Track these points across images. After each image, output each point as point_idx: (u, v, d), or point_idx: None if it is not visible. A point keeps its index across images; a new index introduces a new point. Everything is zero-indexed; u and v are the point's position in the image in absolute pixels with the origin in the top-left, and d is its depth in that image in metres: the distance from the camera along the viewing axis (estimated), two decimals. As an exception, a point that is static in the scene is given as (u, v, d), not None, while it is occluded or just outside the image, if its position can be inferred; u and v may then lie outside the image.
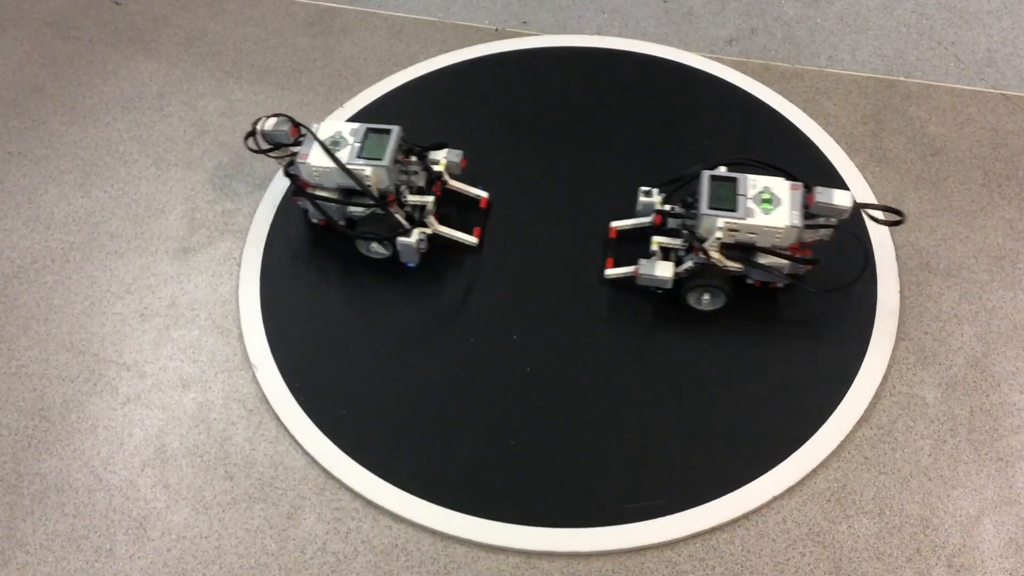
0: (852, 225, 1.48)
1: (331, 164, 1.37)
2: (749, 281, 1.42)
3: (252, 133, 1.44)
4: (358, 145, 1.38)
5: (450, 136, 1.64)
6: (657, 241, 1.41)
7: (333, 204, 1.43)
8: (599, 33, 1.84)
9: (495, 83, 1.74)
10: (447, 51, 1.83)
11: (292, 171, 1.43)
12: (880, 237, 1.50)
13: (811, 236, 1.33)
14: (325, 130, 1.40)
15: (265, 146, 1.46)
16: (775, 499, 1.27)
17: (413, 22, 1.91)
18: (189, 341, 1.46)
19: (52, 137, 1.74)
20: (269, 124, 1.43)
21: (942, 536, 1.24)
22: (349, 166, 1.37)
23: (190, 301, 1.50)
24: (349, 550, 1.25)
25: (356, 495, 1.29)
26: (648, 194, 1.45)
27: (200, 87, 1.81)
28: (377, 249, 1.47)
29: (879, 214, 1.45)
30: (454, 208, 1.55)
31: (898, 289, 1.45)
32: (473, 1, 1.92)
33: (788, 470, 1.29)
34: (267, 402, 1.39)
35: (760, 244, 1.32)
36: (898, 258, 1.48)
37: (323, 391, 1.39)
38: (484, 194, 1.53)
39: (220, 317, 1.48)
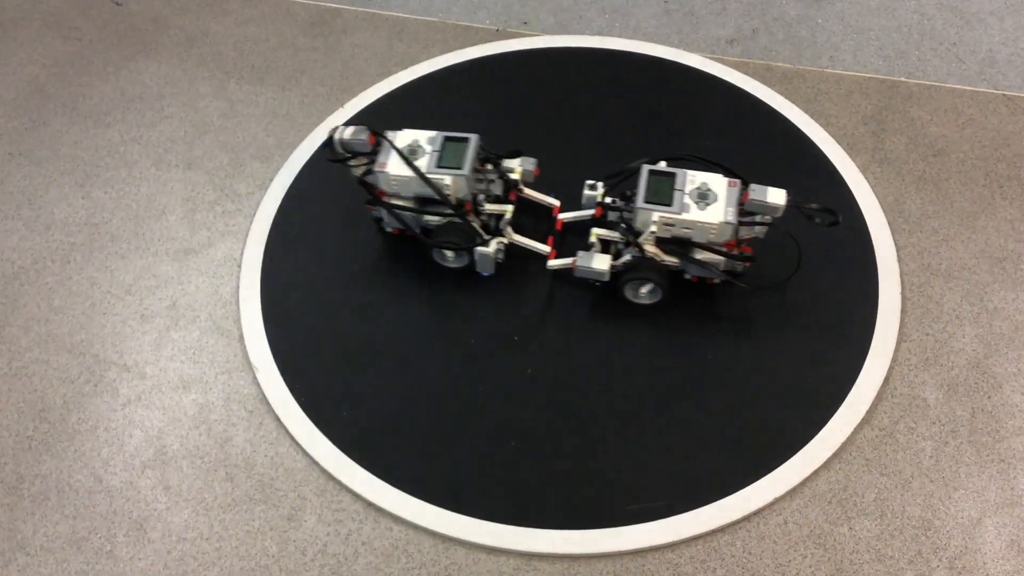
0: (787, 223, 1.48)
1: (410, 173, 1.37)
2: (687, 276, 1.43)
3: (329, 142, 1.41)
4: (436, 154, 1.37)
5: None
6: (596, 233, 1.42)
7: (410, 213, 1.42)
8: (600, 34, 1.84)
9: (496, 84, 1.74)
10: (448, 51, 1.83)
11: (369, 180, 1.43)
12: (882, 238, 1.50)
13: (747, 233, 1.33)
14: (402, 139, 1.39)
15: (342, 155, 1.43)
16: (776, 501, 1.27)
17: (414, 22, 1.91)
18: (189, 342, 1.47)
19: (53, 138, 1.74)
20: (348, 133, 1.39)
21: (943, 538, 1.24)
22: (428, 175, 1.36)
23: (190, 302, 1.50)
24: (350, 552, 1.25)
25: (357, 497, 1.29)
26: (593, 187, 1.47)
27: (201, 88, 1.81)
28: (452, 258, 1.47)
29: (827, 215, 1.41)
30: (528, 216, 1.55)
31: (899, 290, 1.44)
32: (474, 1, 1.92)
33: (789, 471, 1.29)
34: (267, 403, 1.39)
35: (696, 239, 1.32)
36: (900, 259, 1.48)
37: (324, 392, 1.39)
38: (556, 202, 1.53)
39: (220, 318, 1.48)
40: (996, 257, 1.49)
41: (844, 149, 1.61)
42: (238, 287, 1.51)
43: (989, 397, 1.34)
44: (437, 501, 1.28)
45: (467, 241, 1.41)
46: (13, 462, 1.35)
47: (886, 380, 1.36)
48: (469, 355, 1.41)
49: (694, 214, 1.30)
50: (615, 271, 1.39)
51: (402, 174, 1.37)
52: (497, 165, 1.43)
